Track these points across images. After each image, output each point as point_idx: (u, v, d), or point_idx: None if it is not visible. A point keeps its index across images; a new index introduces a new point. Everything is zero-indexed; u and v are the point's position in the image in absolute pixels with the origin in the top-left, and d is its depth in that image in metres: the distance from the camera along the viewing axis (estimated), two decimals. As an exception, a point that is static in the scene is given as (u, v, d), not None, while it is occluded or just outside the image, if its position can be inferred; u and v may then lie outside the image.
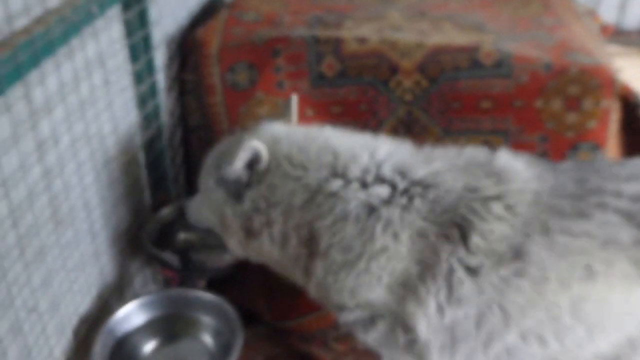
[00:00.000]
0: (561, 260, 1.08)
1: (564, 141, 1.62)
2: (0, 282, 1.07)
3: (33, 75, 1.10)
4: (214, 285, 1.72)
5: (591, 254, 1.07)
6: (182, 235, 1.66)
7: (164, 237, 1.63)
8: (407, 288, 1.12)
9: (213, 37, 1.76)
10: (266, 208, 1.21)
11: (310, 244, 1.20)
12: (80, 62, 1.28)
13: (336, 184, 1.17)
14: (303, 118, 1.58)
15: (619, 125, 1.63)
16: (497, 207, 1.11)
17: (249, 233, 1.25)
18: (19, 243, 1.12)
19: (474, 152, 1.23)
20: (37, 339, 1.21)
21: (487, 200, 1.12)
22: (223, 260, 1.56)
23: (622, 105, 1.60)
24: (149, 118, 1.62)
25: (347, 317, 1.20)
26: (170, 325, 1.51)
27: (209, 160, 1.32)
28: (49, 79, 1.17)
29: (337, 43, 1.70)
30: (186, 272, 1.57)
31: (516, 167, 1.18)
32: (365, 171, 1.18)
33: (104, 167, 1.45)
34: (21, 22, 1.05)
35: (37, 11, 1.10)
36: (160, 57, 1.65)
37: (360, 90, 1.69)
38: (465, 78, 1.64)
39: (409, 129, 1.69)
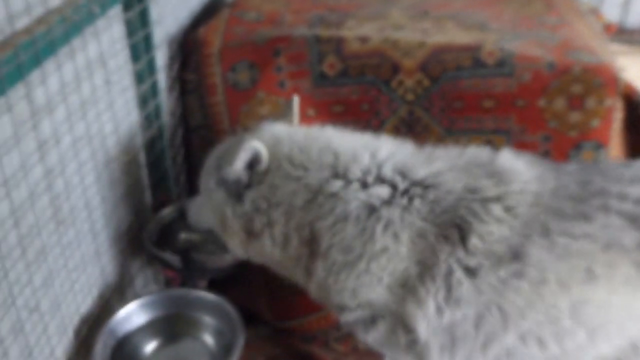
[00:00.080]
0: (561, 262, 1.07)
1: (567, 140, 1.61)
2: (1, 282, 1.07)
3: (34, 75, 1.10)
4: (215, 285, 1.72)
5: (592, 256, 1.06)
6: (183, 235, 1.66)
7: (165, 237, 1.63)
8: (407, 288, 1.12)
9: (214, 36, 1.75)
10: (267, 208, 1.21)
11: (311, 245, 1.19)
12: (81, 62, 1.28)
13: (337, 185, 1.17)
14: (304, 118, 1.57)
15: (622, 124, 1.62)
16: (496, 209, 1.10)
17: (250, 234, 1.24)
18: (20, 243, 1.12)
19: (476, 152, 1.22)
20: (38, 339, 1.21)
21: (486, 201, 1.11)
22: (224, 261, 1.57)
23: (626, 104, 1.60)
24: (150, 118, 1.62)
25: (348, 317, 1.20)
26: (171, 326, 1.52)
27: (210, 161, 1.32)
28: (50, 78, 1.17)
29: (339, 42, 1.69)
30: (187, 272, 1.57)
31: (517, 167, 1.17)
32: (366, 172, 1.18)
33: (105, 167, 1.45)
34: (22, 22, 1.05)
35: (38, 11, 1.10)
36: (161, 56, 1.65)
37: (361, 89, 1.68)
38: (468, 77, 1.63)
39: (411, 128, 1.68)
